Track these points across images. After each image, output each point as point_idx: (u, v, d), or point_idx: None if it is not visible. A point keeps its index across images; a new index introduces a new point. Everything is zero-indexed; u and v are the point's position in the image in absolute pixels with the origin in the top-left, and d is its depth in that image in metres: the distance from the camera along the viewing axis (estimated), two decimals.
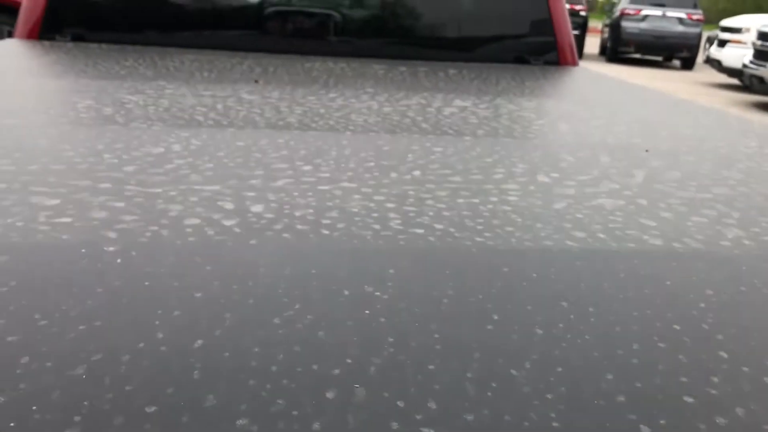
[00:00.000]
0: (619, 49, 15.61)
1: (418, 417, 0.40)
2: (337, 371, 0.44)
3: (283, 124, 1.08)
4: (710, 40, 12.62)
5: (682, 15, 15.04)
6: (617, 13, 15.59)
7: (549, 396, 0.43)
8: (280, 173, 0.83)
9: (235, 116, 1.12)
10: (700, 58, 15.88)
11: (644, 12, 15.10)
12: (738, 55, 10.77)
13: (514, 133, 1.14)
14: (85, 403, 0.39)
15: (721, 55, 11.45)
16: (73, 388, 0.41)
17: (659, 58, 17.09)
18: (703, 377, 0.47)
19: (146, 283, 0.53)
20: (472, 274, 0.59)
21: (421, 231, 0.67)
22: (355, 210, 0.72)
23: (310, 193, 0.76)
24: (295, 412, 0.40)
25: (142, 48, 1.97)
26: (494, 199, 0.79)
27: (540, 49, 2.36)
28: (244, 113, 1.14)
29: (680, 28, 15.05)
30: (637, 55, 16.48)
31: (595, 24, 24.97)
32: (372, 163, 0.89)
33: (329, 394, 0.42)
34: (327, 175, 0.83)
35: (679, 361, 0.48)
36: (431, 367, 0.45)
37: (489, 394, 0.43)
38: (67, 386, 0.41)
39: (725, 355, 0.50)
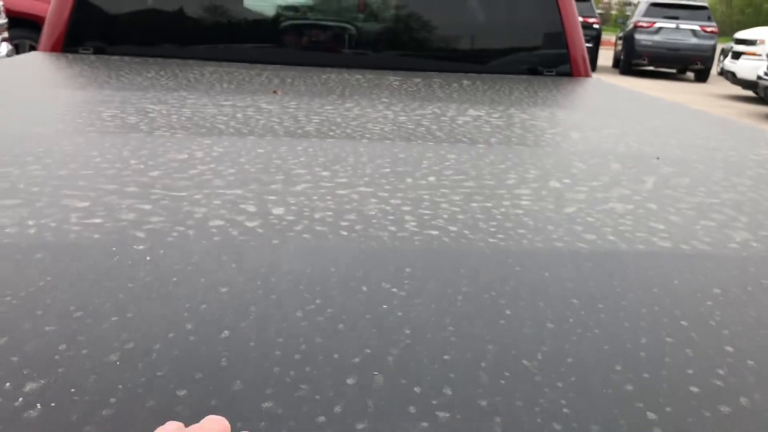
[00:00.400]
0: (633, 61, 15.59)
1: (434, 402, 0.43)
2: (357, 360, 0.46)
3: (301, 133, 1.11)
4: (724, 53, 12.59)
5: (696, 27, 15.01)
6: (630, 26, 15.58)
7: (559, 384, 0.45)
8: (300, 178, 0.85)
9: (255, 125, 1.15)
10: (715, 70, 15.81)
11: (658, 24, 15.09)
12: (752, 67, 10.73)
13: (527, 141, 1.17)
14: (120, 386, 0.42)
15: (735, 67, 11.42)
16: (107, 373, 0.43)
17: (673, 71, 17.04)
18: (709, 369, 0.49)
19: (174, 279, 0.56)
20: (486, 272, 0.61)
21: (435, 233, 0.70)
22: (372, 213, 0.74)
23: (329, 197, 0.79)
24: (317, 397, 0.42)
25: (163, 60, 2.01)
26: (507, 203, 0.81)
27: (553, 61, 2.38)
28: (263, 122, 1.18)
29: (694, 41, 15.01)
30: (651, 68, 16.45)
31: (609, 37, 24.96)
32: (388, 169, 0.92)
33: (350, 381, 0.44)
34: (345, 180, 0.86)
35: (685, 354, 0.50)
36: (446, 357, 0.47)
37: (502, 382, 0.45)
38: (102, 372, 0.43)
39: (731, 350, 0.51)
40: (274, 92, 1.50)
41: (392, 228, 0.70)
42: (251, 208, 0.73)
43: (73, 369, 0.44)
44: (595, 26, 16.02)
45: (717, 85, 15.00)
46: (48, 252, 0.59)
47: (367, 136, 1.12)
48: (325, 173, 0.88)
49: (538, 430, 0.41)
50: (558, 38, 2.39)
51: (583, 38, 2.49)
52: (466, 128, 1.24)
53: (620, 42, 16.98)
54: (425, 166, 0.95)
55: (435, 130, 1.21)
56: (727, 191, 0.93)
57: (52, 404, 0.40)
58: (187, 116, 1.18)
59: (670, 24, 15.13)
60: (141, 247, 0.62)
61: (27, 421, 0.39)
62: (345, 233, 0.68)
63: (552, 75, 2.35)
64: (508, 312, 0.54)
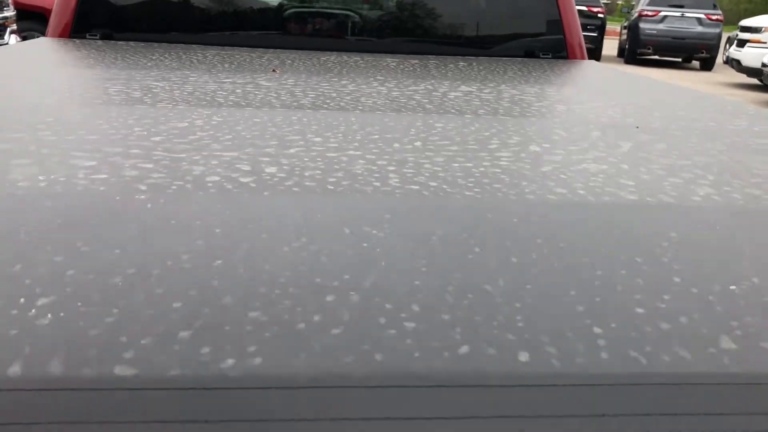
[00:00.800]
0: (638, 50, 15.55)
1: (402, 315, 0.48)
2: (336, 283, 0.52)
3: (297, 105, 1.16)
4: (730, 41, 12.55)
5: (701, 15, 14.95)
6: (635, 15, 15.54)
7: (517, 305, 0.51)
8: (293, 143, 0.91)
9: (253, 99, 1.20)
10: (720, 58, 15.75)
11: (663, 13, 15.04)
12: (757, 54, 10.71)
13: (513, 112, 1.21)
14: (121, 300, 0.48)
15: (740, 55, 11.39)
16: (110, 291, 0.49)
17: (678, 60, 16.98)
18: (655, 295, 0.54)
19: (172, 222, 0.61)
20: (459, 218, 0.66)
21: (416, 187, 0.75)
22: (359, 171, 0.80)
23: (319, 159, 0.84)
24: (298, 309, 0.48)
25: (168, 45, 2.07)
26: (487, 163, 0.86)
27: (550, 46, 2.42)
28: (261, 96, 1.23)
29: (699, 29, 14.96)
30: (656, 57, 16.40)
31: (615, 27, 24.85)
32: (377, 136, 0.97)
33: (329, 298, 0.49)
34: (335, 145, 0.91)
35: (636, 283, 0.55)
36: (417, 282, 0.53)
37: (464, 302, 0.50)
38: (106, 290, 0.49)
39: (678, 280, 0.57)
40: (274, 71, 1.55)
41: (376, 184, 0.76)
42: (246, 167, 0.79)
43: (80, 288, 0.49)
44: (600, 15, 15.97)
45: (722, 73, 14.95)
46: (57, 200, 0.65)
47: (360, 108, 1.17)
48: (317, 139, 0.94)
49: (493, 338, 0.46)
50: (555, 24, 2.43)
51: (579, 24, 2.54)
52: (456, 102, 1.29)
53: (625, 31, 16.92)
54: (413, 133, 1.00)
55: (425, 103, 1.26)
56: (699, 155, 0.97)
57: (61, 314, 0.46)
58: (189, 91, 1.24)
59: (675, 12, 15.07)
60: (143, 197, 0.67)
61: (40, 327, 0.44)
62: (332, 187, 0.73)
63: (548, 58, 2.39)
64: (477, 249, 0.60)
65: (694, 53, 15.38)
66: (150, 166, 0.77)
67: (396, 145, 0.93)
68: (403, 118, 1.11)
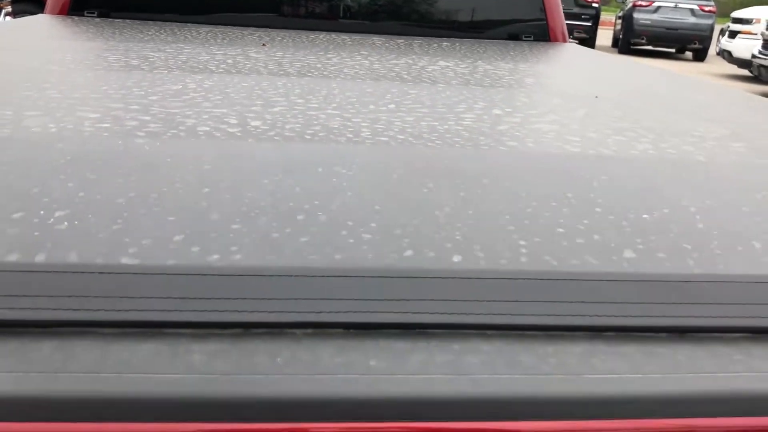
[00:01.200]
0: (631, 40, 15.64)
1: (361, 229, 0.58)
2: (306, 206, 0.61)
3: (283, 73, 1.26)
4: (722, 32, 12.65)
5: (694, 6, 15.04)
6: (629, 5, 15.61)
7: (458, 224, 0.60)
8: (277, 104, 1.00)
9: (242, 67, 1.29)
10: (713, 50, 15.85)
11: (656, 3, 15.12)
12: (748, 45, 10.81)
13: (484, 83, 1.31)
14: (125, 213, 0.57)
15: (731, 46, 11.49)
16: (116, 208, 0.58)
17: (671, 50, 17.07)
18: (577, 219, 0.64)
19: (167, 159, 0.71)
20: (419, 161, 0.76)
21: (385, 139, 0.85)
22: (335, 126, 0.89)
23: (300, 116, 0.93)
24: (274, 224, 0.57)
25: (163, 23, 2.15)
26: (451, 122, 0.96)
27: (532, 29, 2.51)
28: (250, 65, 1.32)
29: (692, 20, 15.05)
30: (650, 47, 16.49)
31: (610, 17, 24.88)
32: (354, 99, 1.07)
33: (300, 217, 0.59)
34: (315, 105, 1.01)
35: (562, 212, 0.65)
36: (377, 207, 0.63)
37: (415, 221, 0.60)
38: (112, 207, 0.58)
39: (599, 210, 0.66)
40: (263, 45, 1.63)
41: (349, 135, 0.85)
42: (233, 121, 0.88)
43: (90, 205, 0.59)
44: (594, 5, 16.03)
45: (715, 64, 15.05)
46: (67, 142, 0.74)
47: (341, 76, 1.27)
48: (299, 100, 1.03)
49: (434, 246, 0.56)
50: (538, 9, 2.52)
51: (561, 9, 2.63)
52: (432, 73, 1.39)
53: (619, 21, 16.99)
54: (388, 98, 1.10)
55: (404, 74, 1.35)
56: (648, 120, 1.07)
57: (75, 222, 0.55)
58: (183, 60, 1.33)
59: (669, 3, 15.15)
60: (141, 141, 0.76)
61: (58, 231, 0.54)
62: (309, 137, 0.83)
63: (530, 40, 2.48)
64: (430, 185, 0.69)
65: (687, 44, 15.49)
66: (147, 118, 0.86)
67: (371, 106, 1.02)
68: (381, 85, 1.20)
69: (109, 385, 0.41)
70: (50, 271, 0.49)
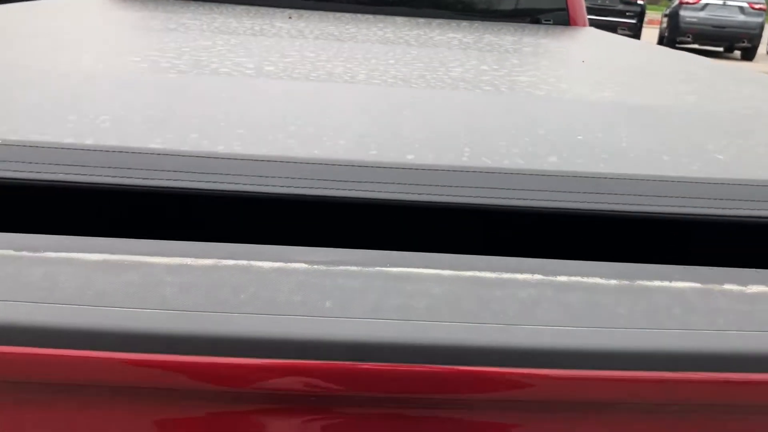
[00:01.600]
0: (677, 39, 15.39)
1: (368, 141, 0.73)
2: (298, 122, 0.77)
3: (301, 37, 1.41)
4: None
5: (744, 4, 14.73)
6: (676, 2, 15.38)
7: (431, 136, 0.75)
8: (291, 57, 1.16)
9: (266, 32, 1.45)
10: (763, 48, 15.50)
11: (704, 1, 14.86)
12: None
13: (482, 48, 1.44)
14: (155, 118, 0.73)
15: None
16: (146, 113, 0.74)
17: (719, 49, 16.73)
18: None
19: (191, 86, 0.87)
20: (404, 96, 0.91)
21: (377, 82, 0.99)
22: (338, 71, 1.04)
23: (309, 64, 1.09)
24: (279, 135, 0.73)
25: (201, 1, 2.33)
26: (440, 72, 1.10)
27: (552, 13, 2.62)
28: (274, 31, 1.48)
29: (741, 18, 14.74)
30: (696, 46, 16.20)
31: (656, 15, 24.44)
32: (360, 56, 1.21)
33: (292, 128, 0.74)
34: (324, 58, 1.16)
35: (509, 134, 0.79)
36: (373, 129, 0.78)
37: (422, 137, 0.75)
38: (144, 112, 0.75)
39: (541, 132, 0.80)
40: (290, 17, 1.80)
41: (347, 78, 1.00)
42: (250, 66, 1.04)
43: (129, 111, 0.75)
44: (640, 2, 15.83)
45: (764, 63, 14.71)
46: (114, 75, 0.91)
47: (353, 41, 1.42)
48: (311, 55, 1.18)
49: (425, 149, 0.70)
50: None
51: None
52: (438, 41, 1.53)
53: (665, 19, 16.73)
54: (390, 56, 1.24)
55: (411, 41, 1.49)
56: (622, 78, 1.19)
57: (118, 125, 0.72)
58: (215, 27, 1.50)
59: (717, 0, 14.85)
60: (173, 75, 0.93)
61: (102, 129, 0.70)
62: (314, 78, 0.98)
63: (549, 23, 2.59)
64: (405, 112, 0.84)
65: (735, 42, 15.17)
66: (178, 62, 1.03)
67: (373, 61, 1.17)
68: (387, 47, 1.35)
69: (89, 316, 0.46)
70: (96, 150, 0.65)
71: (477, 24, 2.24)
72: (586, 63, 1.34)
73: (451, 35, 1.69)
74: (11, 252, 0.51)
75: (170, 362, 0.46)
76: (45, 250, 0.51)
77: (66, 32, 1.30)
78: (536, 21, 2.61)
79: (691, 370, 0.48)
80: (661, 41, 17.23)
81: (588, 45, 1.85)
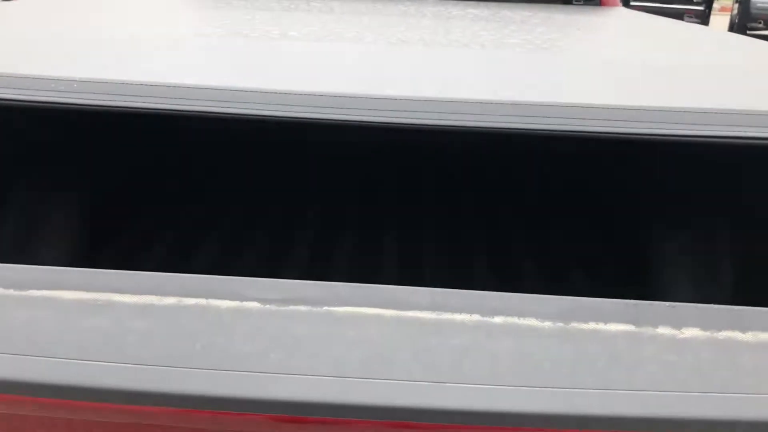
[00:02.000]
0: (748, 25, 14.84)
1: (382, 81, 0.91)
2: (309, 73, 0.96)
3: (329, 11, 1.63)
4: None
5: None
6: None
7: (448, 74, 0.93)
8: (313, 25, 1.36)
9: (296, 8, 1.68)
10: None
11: None
12: None
13: (495, 20, 1.61)
14: (189, 61, 0.94)
15: None
16: (192, 61, 0.96)
17: None
18: (509, 82, 0.94)
19: (229, 46, 1.08)
20: (405, 51, 1.10)
21: (383, 42, 1.18)
22: (350, 36, 1.23)
23: (327, 31, 1.28)
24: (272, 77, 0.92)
25: None
26: (467, 32, 1.28)
27: None
28: (304, 7, 1.70)
29: None
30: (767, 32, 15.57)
31: (728, 2, 23.50)
32: (376, 25, 1.41)
33: (303, 74, 0.94)
34: (343, 27, 1.36)
35: (495, 77, 0.96)
36: (392, 74, 0.96)
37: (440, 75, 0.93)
38: (188, 59, 0.96)
39: (522, 76, 0.96)
40: None
41: (358, 39, 1.19)
42: (276, 31, 1.25)
43: (174, 64, 0.96)
44: None
45: None
46: (184, 41, 1.14)
47: (375, 14, 1.61)
48: (332, 25, 1.40)
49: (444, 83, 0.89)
50: None
51: None
52: (456, 16, 1.70)
53: (737, 5, 16.14)
54: (402, 26, 1.43)
55: (428, 15, 1.68)
56: (609, 41, 1.34)
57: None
58: (285, 5, 1.73)
59: None
60: (210, 40, 1.14)
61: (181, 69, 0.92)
62: (328, 41, 1.18)
63: (581, 5, 2.69)
64: (411, 58, 1.02)
65: None
66: (219, 30, 1.25)
67: (385, 29, 1.36)
68: (403, 19, 1.53)
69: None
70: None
71: (505, 5, 2.39)
72: (581, 30, 1.49)
73: (470, 11, 1.85)
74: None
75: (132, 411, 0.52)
76: (29, 288, 0.58)
77: (137, 7, 1.56)
78: (567, 2, 2.72)
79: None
80: (732, 28, 16.61)
81: (611, 21, 1.97)
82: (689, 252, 1.12)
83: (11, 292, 0.58)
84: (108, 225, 1.43)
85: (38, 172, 1.17)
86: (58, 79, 0.81)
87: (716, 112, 0.78)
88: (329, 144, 0.91)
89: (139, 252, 1.43)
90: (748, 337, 0.55)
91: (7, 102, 0.77)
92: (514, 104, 0.80)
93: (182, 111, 0.79)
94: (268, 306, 0.57)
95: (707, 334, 0.56)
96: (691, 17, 14.78)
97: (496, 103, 0.80)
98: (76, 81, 0.82)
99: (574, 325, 0.55)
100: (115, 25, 1.26)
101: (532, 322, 0.55)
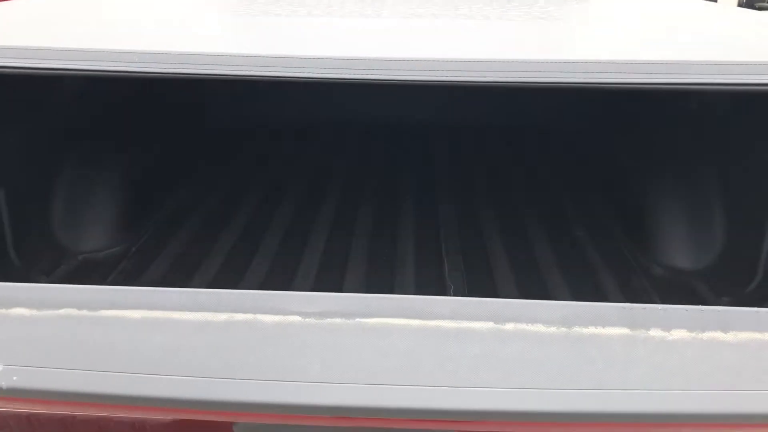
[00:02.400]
0: (756, 4, 14.67)
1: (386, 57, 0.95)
2: (321, 42, 1.00)
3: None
4: None
5: None
6: None
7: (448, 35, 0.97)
8: (348, 5, 1.39)
9: None
10: None
11: None
12: None
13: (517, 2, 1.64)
14: (206, 33, 0.97)
15: None
16: (208, 31, 0.99)
17: None
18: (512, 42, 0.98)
19: (242, 20, 1.11)
20: (408, 24, 1.13)
21: (389, 17, 1.22)
22: (355, 10, 1.27)
23: (332, 7, 1.31)
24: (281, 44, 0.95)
25: None
26: (466, 10, 1.31)
27: None
28: None
29: None
30: None
31: None
32: (388, 1, 1.43)
33: (312, 38, 0.97)
34: (368, 12, 1.38)
35: (495, 44, 1.00)
36: (395, 47, 1.00)
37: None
38: (203, 31, 0.99)
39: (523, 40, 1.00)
40: None
41: (363, 13, 1.23)
42: (279, 10, 1.28)
43: (186, 34, 0.99)
44: None
45: None
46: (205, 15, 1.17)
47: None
48: (352, 6, 1.41)
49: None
50: None
51: None
52: None
53: None
54: (414, 3, 1.46)
55: None
56: (604, 16, 1.39)
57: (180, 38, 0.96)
58: None
59: None
60: (234, 17, 1.17)
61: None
62: (338, 14, 1.21)
63: None
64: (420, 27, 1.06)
65: None
66: (241, 9, 1.28)
67: (393, 6, 1.39)
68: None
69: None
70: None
71: None
72: (578, 3, 1.52)
73: None
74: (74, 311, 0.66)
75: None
76: (99, 308, 0.66)
77: None
78: None
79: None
80: (741, 3, 16.42)
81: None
82: (683, 201, 1.25)
83: (85, 312, 0.64)
84: (150, 196, 1.69)
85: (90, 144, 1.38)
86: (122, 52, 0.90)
87: (700, 63, 0.91)
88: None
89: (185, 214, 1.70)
90: (729, 337, 0.61)
91: (80, 71, 0.89)
92: (513, 62, 0.85)
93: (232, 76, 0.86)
94: (308, 320, 0.65)
95: (693, 335, 0.62)
96: (762, 1, 14.58)
97: (501, 61, 0.86)
98: (137, 53, 0.89)
99: (576, 329, 0.63)
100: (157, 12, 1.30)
101: (539, 327, 0.62)
